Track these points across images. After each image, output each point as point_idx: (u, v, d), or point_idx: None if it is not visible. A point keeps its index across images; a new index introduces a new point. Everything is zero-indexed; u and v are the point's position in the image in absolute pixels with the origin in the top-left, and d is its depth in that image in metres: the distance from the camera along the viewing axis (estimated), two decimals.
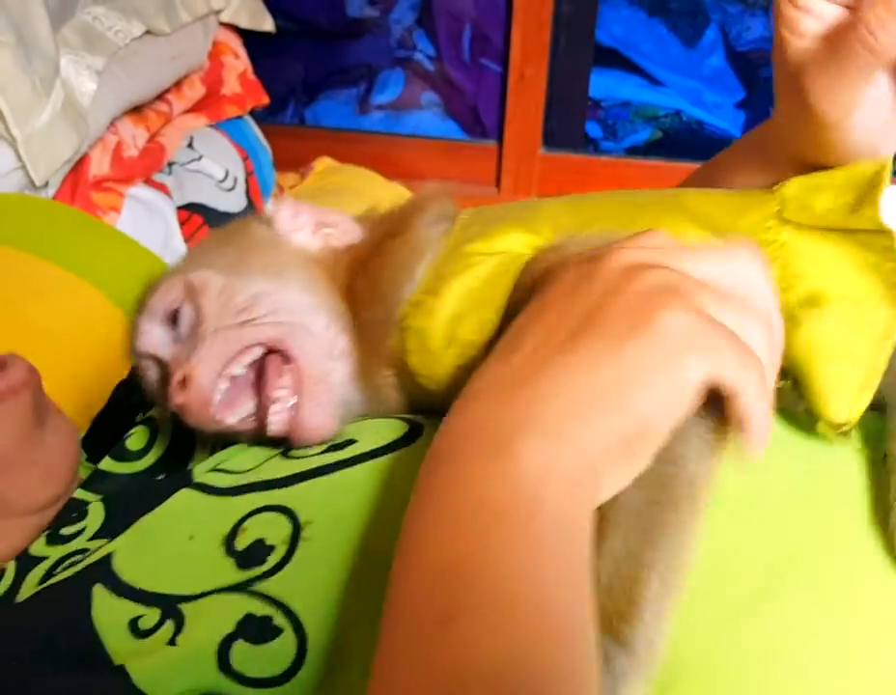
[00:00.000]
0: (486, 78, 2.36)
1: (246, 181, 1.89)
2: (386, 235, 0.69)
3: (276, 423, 0.65)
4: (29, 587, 0.64)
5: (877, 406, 0.59)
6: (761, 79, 2.25)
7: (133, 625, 0.57)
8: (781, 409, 0.60)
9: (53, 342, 1.03)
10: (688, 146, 2.28)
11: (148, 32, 1.67)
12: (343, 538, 0.59)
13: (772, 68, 0.67)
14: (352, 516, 0.59)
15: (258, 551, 0.59)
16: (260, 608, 0.56)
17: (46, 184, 1.37)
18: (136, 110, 1.67)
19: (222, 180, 1.81)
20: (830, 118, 0.63)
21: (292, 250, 0.71)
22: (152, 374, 0.71)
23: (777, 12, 0.63)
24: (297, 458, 0.65)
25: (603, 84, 2.32)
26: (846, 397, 0.57)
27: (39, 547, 0.67)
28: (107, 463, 0.74)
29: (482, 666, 0.41)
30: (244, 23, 2.08)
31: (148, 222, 1.58)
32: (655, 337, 0.47)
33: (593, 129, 2.37)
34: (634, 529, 0.51)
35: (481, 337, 0.62)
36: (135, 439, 0.75)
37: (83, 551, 0.66)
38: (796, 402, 0.59)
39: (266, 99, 2.12)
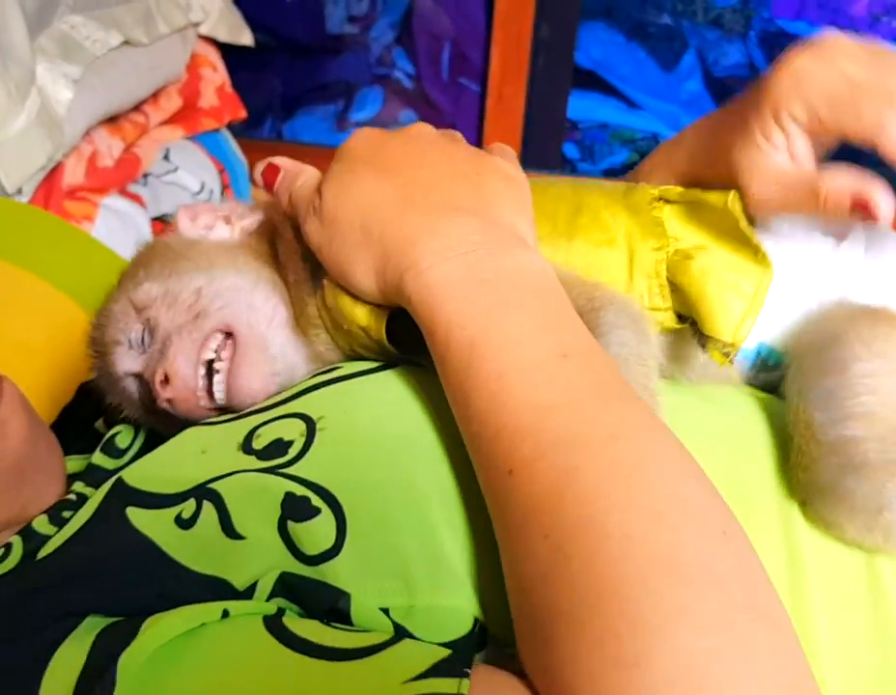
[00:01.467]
0: (464, 97, 2.36)
1: (222, 194, 1.89)
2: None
3: (219, 391, 0.71)
4: (45, 552, 0.64)
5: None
6: None
7: (178, 519, 0.61)
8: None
9: (30, 355, 1.02)
10: None
11: (126, 42, 1.66)
12: (357, 425, 0.65)
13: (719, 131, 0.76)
14: (362, 409, 0.66)
15: (277, 446, 0.64)
16: (297, 488, 0.60)
17: (20, 192, 1.36)
18: (112, 120, 1.66)
19: (198, 193, 1.80)
20: (749, 192, 0.72)
21: (211, 245, 0.77)
22: (132, 389, 0.76)
23: (763, 121, 0.71)
24: (289, 387, 0.71)
25: (581, 106, 2.33)
26: (732, 319, 0.67)
27: (42, 525, 0.68)
28: (98, 458, 0.76)
29: None
30: (223, 36, 2.08)
31: (121, 232, 1.56)
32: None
33: (570, 151, 2.38)
34: None
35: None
36: (123, 436, 0.78)
37: None
38: (693, 339, 0.69)
39: (243, 113, 2.11)
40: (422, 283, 0.60)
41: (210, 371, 0.71)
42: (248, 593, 0.58)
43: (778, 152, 0.71)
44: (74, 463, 0.82)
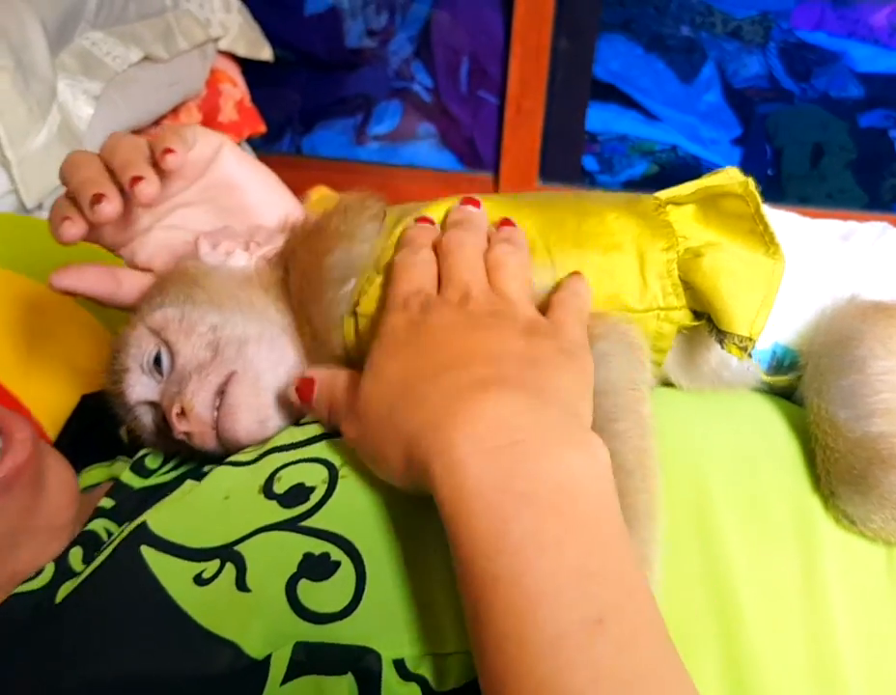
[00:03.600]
0: (483, 110, 2.37)
1: None
2: (320, 235, 0.74)
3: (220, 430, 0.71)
4: (63, 593, 0.64)
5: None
6: (757, 116, 2.26)
7: (198, 578, 0.60)
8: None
9: (46, 365, 1.03)
10: (684, 181, 2.27)
11: (146, 58, 1.68)
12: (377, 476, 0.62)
13: None
14: None
15: (299, 492, 0.63)
16: (316, 546, 0.60)
17: (40, 207, 1.36)
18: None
19: None
20: None
21: (226, 277, 0.76)
22: (146, 418, 0.76)
23: None
24: (309, 423, 0.71)
25: (600, 118, 2.33)
26: (748, 313, 0.66)
27: (76, 559, 0.68)
28: (127, 476, 0.76)
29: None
30: (242, 52, 2.09)
31: None
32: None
33: (589, 163, 2.38)
34: None
35: None
36: (152, 458, 0.78)
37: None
38: (710, 336, 0.69)
39: (262, 128, 2.12)
40: (452, 480, 0.52)
41: None
42: (264, 664, 0.56)
43: None
44: (98, 473, 0.82)
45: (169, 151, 0.68)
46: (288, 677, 0.55)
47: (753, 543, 0.62)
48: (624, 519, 0.53)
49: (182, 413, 0.70)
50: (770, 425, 0.71)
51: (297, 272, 0.74)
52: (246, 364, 0.71)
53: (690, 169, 2.30)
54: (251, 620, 0.57)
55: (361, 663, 0.55)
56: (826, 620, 0.60)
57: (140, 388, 0.74)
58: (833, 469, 0.64)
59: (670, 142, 2.30)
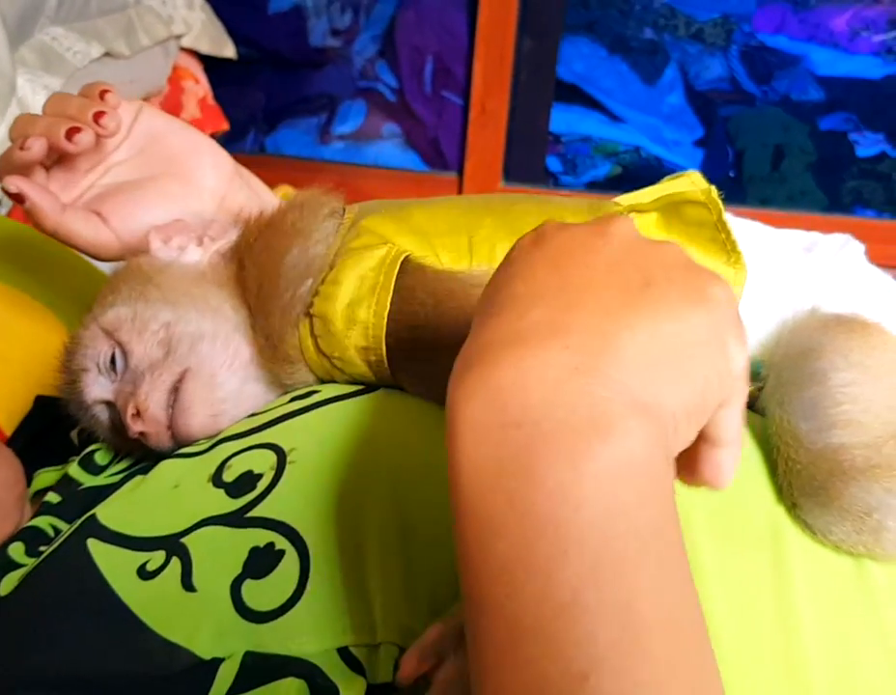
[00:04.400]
0: (447, 111, 2.37)
1: None
2: (277, 231, 0.74)
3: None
4: (8, 585, 0.64)
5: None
6: (719, 118, 2.27)
7: (141, 570, 0.59)
8: None
9: (4, 366, 1.01)
10: (647, 182, 2.25)
11: (107, 54, 1.66)
12: (327, 459, 0.62)
13: None
14: (332, 441, 0.64)
15: (247, 480, 0.63)
16: (261, 538, 0.59)
17: (0, 203, 1.35)
18: None
19: None
20: None
21: (180, 273, 0.76)
22: (103, 416, 0.76)
23: None
24: (263, 412, 0.70)
25: (564, 119, 2.34)
26: None
27: (17, 553, 0.67)
28: (75, 470, 0.76)
29: None
30: (205, 49, 2.08)
31: None
32: (709, 308, 0.45)
33: (553, 164, 2.38)
34: None
35: (378, 318, 0.68)
36: (102, 454, 0.78)
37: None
38: None
39: (225, 125, 2.11)
40: (451, 451, 0.43)
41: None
42: (212, 666, 0.55)
43: None
44: (49, 476, 0.81)
45: (106, 90, 0.75)
46: (236, 687, 0.54)
47: (724, 549, 0.62)
48: None
49: (137, 413, 0.70)
50: None
51: (253, 270, 0.73)
52: (200, 361, 0.72)
53: (653, 170, 2.31)
54: (200, 623, 0.57)
55: (304, 671, 0.55)
56: (795, 626, 0.60)
57: (96, 388, 0.74)
58: (795, 480, 0.64)
59: (633, 143, 2.32)
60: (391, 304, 0.68)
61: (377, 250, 0.70)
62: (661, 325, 0.43)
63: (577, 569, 0.38)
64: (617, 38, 2.27)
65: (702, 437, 0.46)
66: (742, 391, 0.46)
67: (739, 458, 0.48)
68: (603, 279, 0.45)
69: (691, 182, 0.75)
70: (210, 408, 0.71)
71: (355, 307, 0.69)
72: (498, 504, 0.40)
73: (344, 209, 0.77)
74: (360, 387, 0.70)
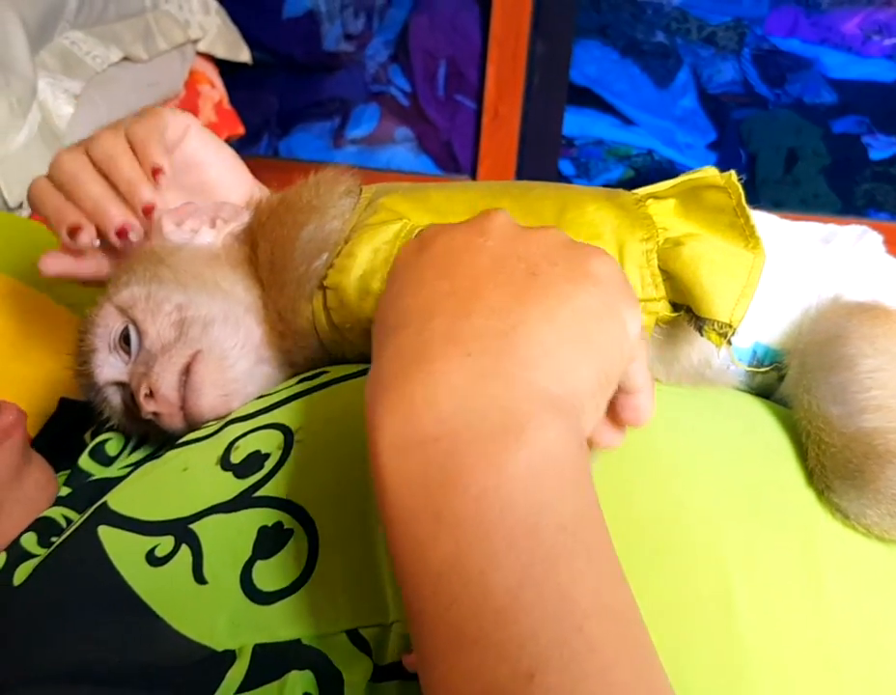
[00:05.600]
0: (460, 114, 2.38)
1: None
2: (291, 207, 0.74)
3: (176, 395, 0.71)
4: (21, 575, 0.64)
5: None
6: (731, 121, 2.28)
7: (150, 555, 0.59)
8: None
9: (26, 366, 1.02)
10: None
11: (125, 58, 1.67)
12: (333, 437, 0.62)
13: None
14: (340, 420, 0.63)
15: (254, 460, 0.63)
16: (269, 517, 0.59)
17: (21, 206, 1.36)
18: None
19: None
20: None
21: (192, 255, 0.77)
22: (115, 398, 0.76)
23: None
24: (271, 393, 0.71)
25: (577, 122, 2.35)
26: (727, 299, 0.66)
27: (30, 543, 0.68)
28: (85, 462, 0.76)
29: None
30: (221, 53, 2.09)
31: None
32: (594, 282, 0.46)
33: (566, 167, 2.39)
34: None
35: None
36: (112, 444, 0.78)
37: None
38: (689, 325, 0.69)
39: (241, 129, 2.12)
40: (376, 471, 0.44)
41: None
42: (224, 658, 0.55)
43: None
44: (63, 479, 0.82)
45: (158, 170, 0.74)
46: (247, 684, 0.54)
47: (752, 535, 0.62)
48: None
49: (150, 394, 0.70)
50: (757, 419, 0.71)
51: (267, 246, 0.74)
52: (211, 343, 0.72)
53: (666, 173, 2.30)
54: (214, 617, 0.56)
55: (311, 661, 0.55)
56: (826, 612, 0.60)
57: (108, 369, 0.75)
58: (829, 463, 0.64)
59: (646, 146, 2.32)
60: None
61: (392, 225, 0.71)
62: (554, 312, 0.45)
63: (511, 570, 0.39)
64: (629, 41, 2.28)
65: (619, 389, 0.50)
66: (643, 345, 0.50)
67: (653, 396, 0.52)
68: (490, 277, 0.46)
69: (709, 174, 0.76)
70: (221, 389, 0.71)
71: (369, 278, 0.69)
72: (427, 519, 0.41)
73: (360, 189, 0.77)
74: (368, 366, 0.70)
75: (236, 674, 0.53)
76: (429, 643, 0.40)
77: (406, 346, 0.45)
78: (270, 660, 0.54)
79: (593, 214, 0.72)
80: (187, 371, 0.71)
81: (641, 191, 0.75)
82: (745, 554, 0.61)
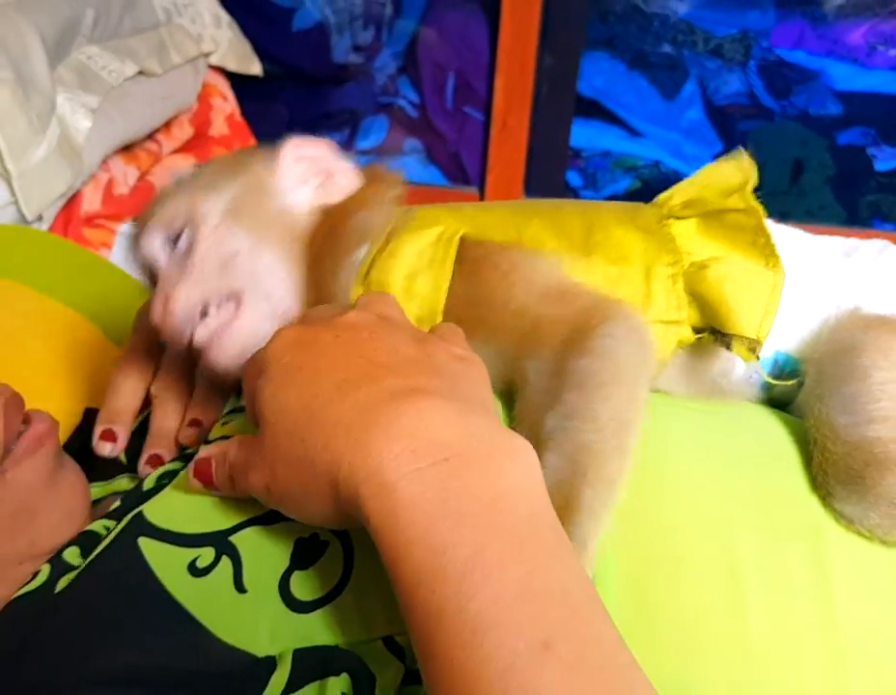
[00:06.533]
0: (468, 126, 2.39)
1: None
2: (354, 198, 0.76)
3: (201, 336, 0.72)
4: (63, 583, 0.65)
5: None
6: (738, 132, 2.29)
7: (192, 566, 0.60)
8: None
9: (51, 378, 1.04)
10: None
11: (140, 72, 1.69)
12: None
13: None
14: None
15: None
16: (305, 529, 0.60)
17: (41, 219, 1.38)
18: (127, 149, 1.68)
19: None
20: None
21: (279, 212, 0.77)
22: (148, 279, 0.78)
23: None
24: None
25: (584, 134, 2.36)
26: (753, 316, 0.70)
27: (72, 556, 0.68)
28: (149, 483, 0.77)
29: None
30: (233, 66, 2.11)
31: None
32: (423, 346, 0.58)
33: (573, 178, 2.41)
34: (566, 445, 0.62)
35: (435, 291, 0.71)
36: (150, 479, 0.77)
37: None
38: (716, 344, 0.72)
39: (252, 142, 2.13)
40: (383, 507, 0.48)
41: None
42: (268, 664, 0.56)
43: None
44: (97, 490, 0.83)
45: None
46: (290, 687, 0.55)
47: (762, 542, 0.64)
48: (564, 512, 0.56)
49: (165, 305, 0.71)
50: (769, 430, 0.73)
51: (324, 227, 0.75)
52: (247, 302, 0.73)
53: (672, 184, 2.32)
54: (256, 624, 0.58)
55: (350, 665, 0.56)
56: (834, 617, 0.62)
57: (154, 245, 0.75)
58: (831, 470, 0.66)
59: (653, 158, 2.34)
60: (451, 278, 0.71)
61: (433, 228, 0.73)
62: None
63: (522, 562, 0.47)
64: (636, 53, 2.29)
65: None
66: None
67: None
68: (395, 358, 0.56)
69: (739, 168, 0.78)
70: (241, 350, 0.71)
71: (413, 280, 0.71)
72: (448, 526, 0.47)
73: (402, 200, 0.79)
74: None
75: (279, 679, 0.55)
76: (448, 637, 0.46)
77: (368, 401, 0.52)
78: (310, 663, 0.55)
79: (620, 238, 0.74)
80: (206, 314, 0.72)
81: (662, 199, 0.78)
82: (757, 561, 0.63)
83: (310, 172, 0.78)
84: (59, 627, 0.60)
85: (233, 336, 0.72)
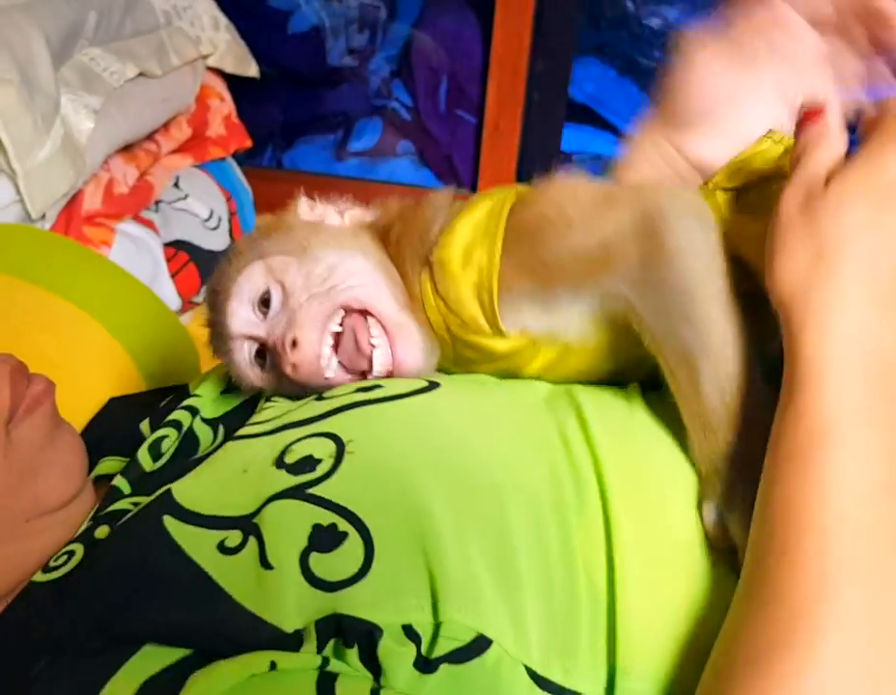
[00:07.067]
0: (461, 129, 2.42)
1: (230, 221, 1.93)
2: (418, 206, 0.81)
3: (380, 365, 0.77)
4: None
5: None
6: None
7: (221, 546, 0.63)
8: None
9: (57, 372, 1.06)
10: None
11: (141, 74, 1.72)
12: (383, 452, 0.67)
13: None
14: (387, 438, 0.68)
15: (307, 462, 0.67)
16: (324, 517, 0.63)
17: (43, 217, 1.40)
18: (127, 149, 1.71)
19: (207, 220, 1.85)
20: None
21: (337, 228, 0.83)
22: (241, 354, 0.81)
23: None
24: (330, 397, 0.74)
25: (575, 138, 2.39)
26: None
27: (103, 534, 0.71)
28: (143, 454, 0.80)
29: None
30: (230, 68, 2.13)
31: (137, 257, 1.62)
32: None
33: None
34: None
35: (491, 256, 0.73)
36: (169, 441, 0.82)
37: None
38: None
39: (248, 142, 2.16)
40: (819, 351, 0.57)
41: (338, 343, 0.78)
42: (297, 638, 0.59)
43: None
44: (112, 464, 0.86)
45: None
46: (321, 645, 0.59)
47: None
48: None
49: (294, 344, 0.75)
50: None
51: (399, 226, 0.81)
52: (373, 296, 0.78)
53: None
54: (283, 599, 0.60)
55: (367, 636, 0.59)
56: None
57: (244, 322, 0.79)
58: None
59: None
60: (503, 244, 0.74)
61: (485, 202, 0.78)
62: None
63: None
64: (628, 60, 2.33)
65: None
66: None
67: None
68: None
69: (775, 141, 0.78)
70: (421, 344, 0.77)
71: (470, 249, 0.74)
72: (872, 444, 0.55)
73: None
74: (419, 387, 0.74)
75: (308, 654, 0.58)
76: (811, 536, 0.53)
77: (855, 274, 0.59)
78: (328, 629, 0.59)
79: None
80: (336, 344, 0.77)
81: (718, 177, 0.79)
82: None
83: (325, 211, 0.85)
84: (88, 587, 0.64)
85: (407, 345, 0.77)
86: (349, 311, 0.78)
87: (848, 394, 0.56)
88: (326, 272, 0.77)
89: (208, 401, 0.87)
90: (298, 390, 0.78)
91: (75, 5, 1.54)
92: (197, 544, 0.64)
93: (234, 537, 0.64)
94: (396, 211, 0.84)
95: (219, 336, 0.81)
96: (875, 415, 0.56)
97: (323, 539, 0.62)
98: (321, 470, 0.66)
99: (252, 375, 0.81)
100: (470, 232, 0.75)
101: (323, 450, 0.68)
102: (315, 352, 0.75)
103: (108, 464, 0.86)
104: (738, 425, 0.64)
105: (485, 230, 0.75)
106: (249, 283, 0.78)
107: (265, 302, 0.78)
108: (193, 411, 0.85)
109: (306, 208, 0.85)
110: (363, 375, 0.78)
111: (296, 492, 0.65)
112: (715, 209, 0.74)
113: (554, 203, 0.74)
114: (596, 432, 0.70)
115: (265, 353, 0.79)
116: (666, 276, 0.67)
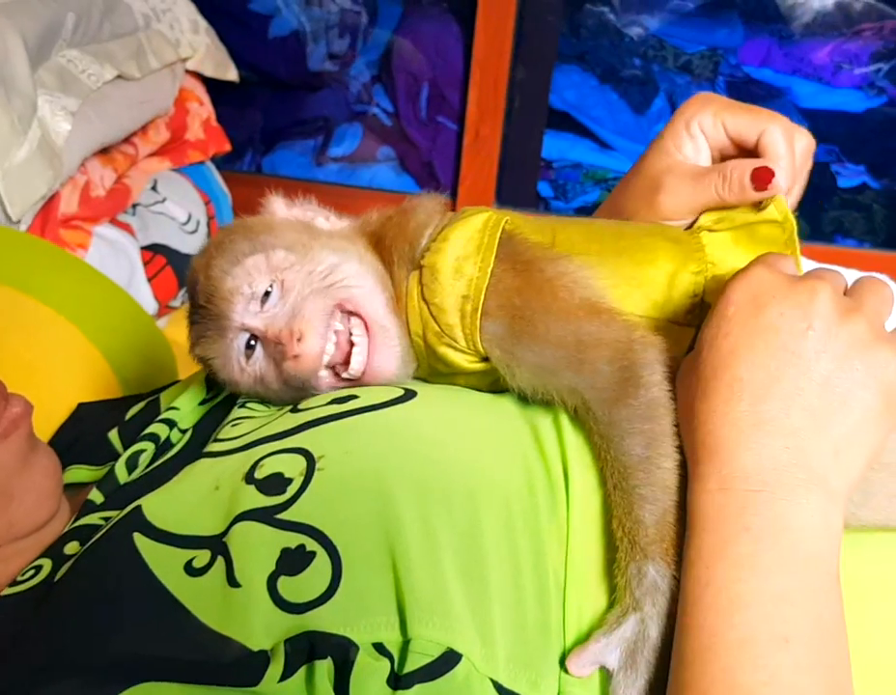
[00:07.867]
0: (442, 135, 2.42)
1: (208, 225, 1.92)
2: (407, 210, 0.83)
3: (357, 363, 0.78)
4: (61, 573, 0.67)
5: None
6: None
7: (188, 566, 0.63)
8: None
9: (32, 375, 1.05)
10: None
11: (119, 76, 1.70)
12: (354, 467, 0.67)
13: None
14: (360, 451, 0.68)
15: (277, 482, 0.67)
16: (292, 540, 0.63)
17: (19, 220, 1.39)
18: (104, 151, 1.69)
19: (185, 223, 1.84)
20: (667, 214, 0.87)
21: (330, 230, 0.84)
22: (233, 344, 0.80)
23: (676, 134, 0.87)
24: (304, 409, 0.75)
25: (556, 146, 2.40)
26: None
27: (73, 549, 0.71)
28: (120, 468, 0.80)
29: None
30: (210, 72, 2.12)
31: (113, 260, 1.60)
32: (883, 393, 0.63)
33: (544, 189, 2.44)
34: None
35: (482, 272, 0.75)
36: (147, 455, 0.81)
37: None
38: None
39: (227, 146, 2.14)
40: (696, 500, 0.63)
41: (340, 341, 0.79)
42: (263, 658, 0.59)
43: (688, 156, 0.87)
44: (81, 473, 0.86)
45: None
46: (284, 675, 0.58)
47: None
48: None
49: (301, 338, 0.76)
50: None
51: (391, 230, 0.82)
52: (366, 299, 0.79)
53: None
54: (249, 617, 0.60)
55: (340, 650, 0.58)
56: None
57: (247, 315, 0.78)
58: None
59: (623, 170, 2.34)
60: (499, 267, 0.76)
61: (479, 215, 0.80)
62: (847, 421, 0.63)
63: (788, 578, 0.59)
64: (608, 68, 2.33)
65: None
66: None
67: None
68: (805, 375, 0.62)
69: (779, 223, 0.80)
70: (397, 350, 0.79)
71: (462, 262, 0.76)
72: (737, 531, 0.60)
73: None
74: (395, 397, 0.74)
75: (273, 673, 0.58)
76: (706, 604, 0.59)
77: (737, 418, 0.62)
78: (299, 647, 0.58)
79: (648, 244, 0.79)
80: (349, 316, 0.79)
81: (703, 221, 0.82)
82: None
83: (306, 210, 0.87)
84: (53, 614, 0.62)
85: (383, 350, 0.78)
86: (343, 310, 0.79)
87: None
88: (328, 270, 0.79)
89: (185, 412, 0.87)
90: (279, 387, 0.79)
91: (53, 6, 1.53)
92: (165, 564, 0.63)
93: (202, 557, 0.63)
94: (385, 217, 0.85)
95: (209, 326, 0.80)
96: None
97: (292, 561, 0.62)
98: (290, 491, 0.66)
99: (237, 366, 0.80)
100: (463, 243, 0.77)
101: (294, 468, 0.67)
102: (320, 346, 0.77)
103: (76, 473, 0.86)
104: (664, 549, 0.65)
105: (477, 244, 0.77)
106: (251, 275, 0.78)
107: (264, 295, 0.78)
108: (171, 424, 0.85)
109: (282, 206, 0.85)
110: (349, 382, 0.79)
111: (266, 516, 0.64)
112: (698, 249, 0.78)
113: (556, 269, 0.76)
114: (570, 440, 0.71)
115: (252, 346, 0.79)
116: (635, 403, 0.69)
